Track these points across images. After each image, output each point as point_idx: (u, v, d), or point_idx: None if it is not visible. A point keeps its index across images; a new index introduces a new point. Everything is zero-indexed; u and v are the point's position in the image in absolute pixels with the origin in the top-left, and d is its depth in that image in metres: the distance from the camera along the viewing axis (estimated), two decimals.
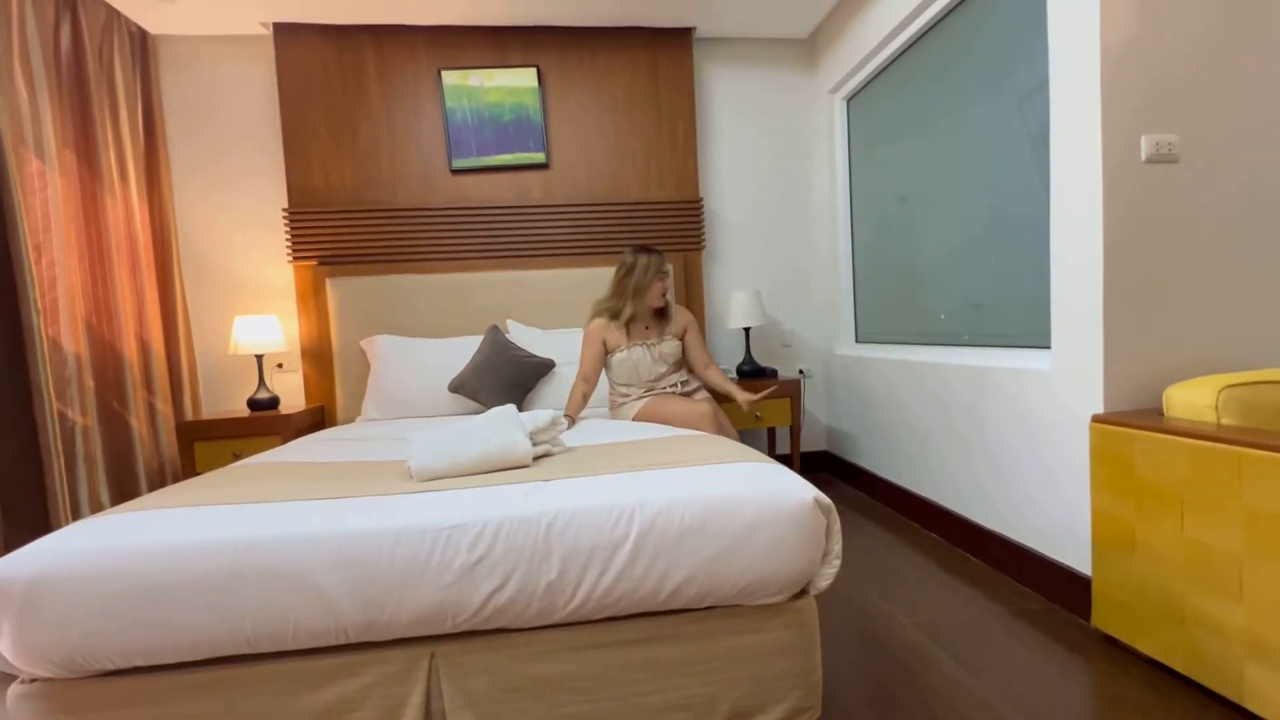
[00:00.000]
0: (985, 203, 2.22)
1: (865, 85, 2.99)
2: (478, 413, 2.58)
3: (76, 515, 2.31)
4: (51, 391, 2.15)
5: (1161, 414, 1.55)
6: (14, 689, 1.12)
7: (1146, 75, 1.62)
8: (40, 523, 2.15)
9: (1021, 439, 1.97)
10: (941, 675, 1.52)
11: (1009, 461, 2.03)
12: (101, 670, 1.12)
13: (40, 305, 2.14)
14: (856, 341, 3.25)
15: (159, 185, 2.88)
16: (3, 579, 1.06)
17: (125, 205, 2.69)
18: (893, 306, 2.90)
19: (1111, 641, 1.62)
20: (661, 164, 3.21)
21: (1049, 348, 1.90)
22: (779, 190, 3.40)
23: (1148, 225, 1.64)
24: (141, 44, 2.86)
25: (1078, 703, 1.40)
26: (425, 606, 1.15)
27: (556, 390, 2.72)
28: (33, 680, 1.12)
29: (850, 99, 3.16)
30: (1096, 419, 1.62)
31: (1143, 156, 1.63)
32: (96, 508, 2.40)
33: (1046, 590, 1.87)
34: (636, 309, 2.39)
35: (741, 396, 2.40)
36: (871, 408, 2.96)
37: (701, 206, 3.24)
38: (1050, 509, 1.87)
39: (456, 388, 2.67)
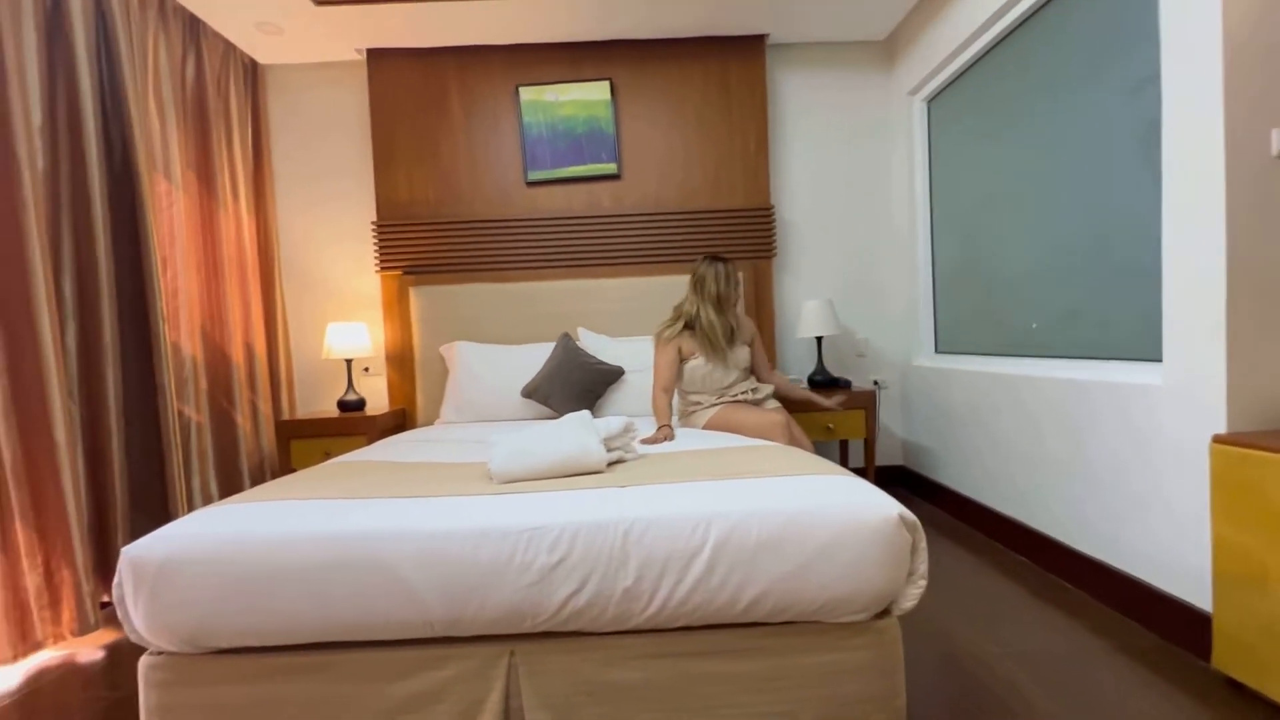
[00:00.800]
0: (1084, 204, 2.07)
1: (948, 85, 2.87)
2: (550, 418, 2.65)
3: (190, 504, 2.53)
4: (173, 391, 2.36)
5: None
6: (144, 659, 1.24)
7: (1276, 63, 1.47)
8: (160, 510, 2.36)
9: (1127, 459, 1.82)
10: (1037, 710, 1.42)
11: (1112, 483, 1.88)
12: (216, 648, 1.22)
13: (165, 313, 2.36)
14: (936, 352, 3.11)
15: (264, 201, 3.13)
16: (139, 558, 1.18)
17: (236, 220, 2.93)
18: (977, 316, 2.75)
19: (1235, 685, 1.47)
20: (732, 172, 3.20)
21: (1159, 361, 1.75)
22: (854, 196, 3.31)
23: (1279, 226, 1.49)
24: (252, 73, 3.12)
25: None
26: (506, 605, 1.18)
27: (625, 397, 2.74)
28: (159, 653, 1.24)
29: (931, 100, 3.05)
30: (1218, 439, 1.47)
31: (1273, 151, 1.48)
32: (207, 498, 2.62)
33: (1157, 625, 1.72)
34: (717, 318, 2.36)
35: (821, 398, 2.55)
36: (953, 421, 2.81)
37: (773, 214, 3.19)
38: (1161, 537, 1.71)
39: (529, 393, 2.74)
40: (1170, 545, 1.68)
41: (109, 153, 2.28)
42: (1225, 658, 1.47)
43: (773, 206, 3.20)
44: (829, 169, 3.30)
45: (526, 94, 3.12)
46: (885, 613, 1.25)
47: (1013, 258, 2.47)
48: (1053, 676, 1.54)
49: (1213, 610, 1.51)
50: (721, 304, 2.38)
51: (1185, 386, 1.61)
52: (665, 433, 2.09)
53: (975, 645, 1.71)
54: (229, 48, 2.94)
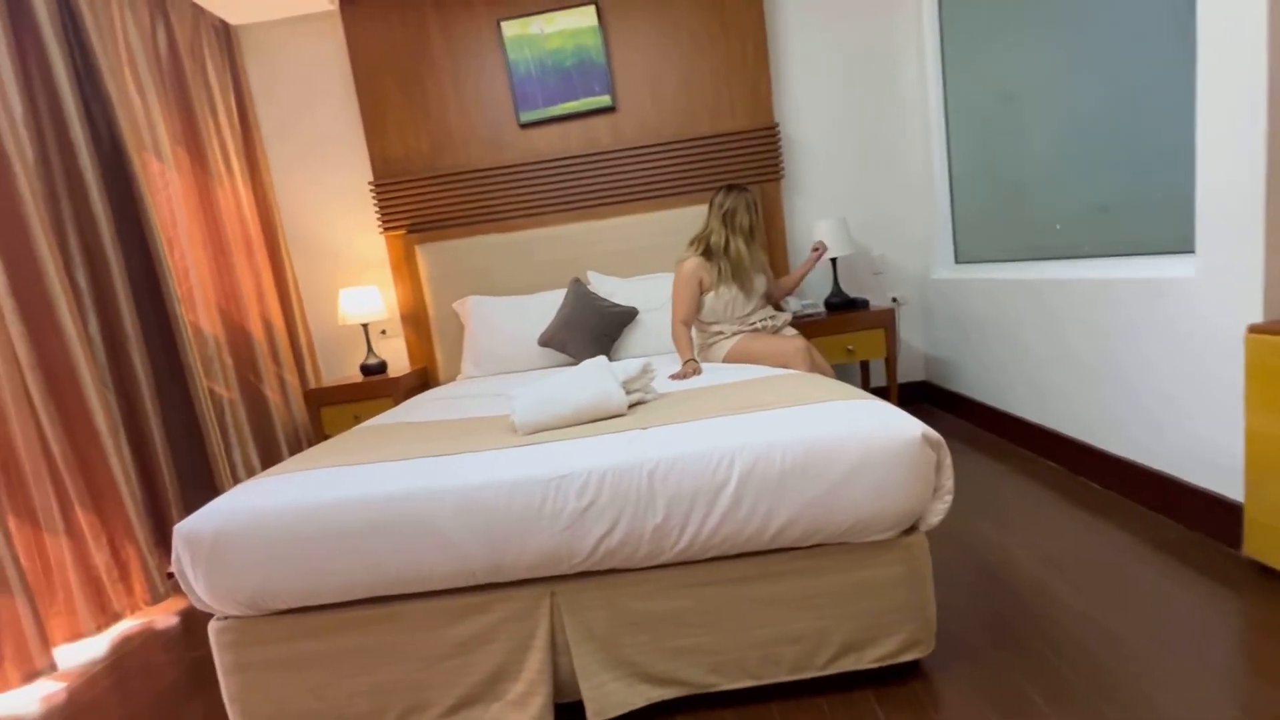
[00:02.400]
0: (1110, 92, 1.94)
1: None
2: (568, 364, 2.66)
3: (235, 476, 2.63)
4: (200, 370, 2.42)
5: None
6: (212, 624, 1.32)
7: None
8: (208, 484, 2.47)
9: (1157, 355, 1.78)
10: (1065, 608, 1.46)
11: (1141, 380, 1.85)
12: (277, 609, 1.29)
13: (179, 294, 2.39)
14: (956, 263, 3.02)
15: (259, 171, 3.08)
16: (194, 533, 1.24)
17: (233, 194, 2.90)
18: (997, 221, 2.65)
19: (1266, 571, 1.48)
20: (732, 91, 3.04)
21: (1192, 252, 1.68)
22: (862, 105, 3.13)
23: None
24: (225, 36, 3.00)
25: (1226, 633, 1.30)
26: (543, 551, 1.23)
27: (642, 338, 2.74)
28: (225, 617, 1.32)
29: None
30: (1254, 329, 1.43)
31: None
32: (250, 469, 2.72)
33: (1186, 518, 1.73)
34: (747, 250, 2.32)
35: (803, 269, 2.62)
36: (975, 332, 2.77)
37: (777, 133, 3.05)
38: (1193, 430, 1.70)
39: (546, 342, 2.75)
40: (1202, 438, 1.67)
41: (96, 137, 2.24)
42: (1256, 544, 1.48)
43: (777, 125, 3.06)
44: (834, 79, 3.11)
45: (509, 28, 2.97)
46: (912, 529, 1.27)
47: (1033, 156, 2.35)
48: (1081, 574, 1.58)
49: (1244, 499, 1.51)
50: (753, 235, 2.34)
51: (1220, 276, 1.55)
52: (693, 367, 2.08)
53: (1003, 551, 1.74)
54: (197, 11, 2.82)
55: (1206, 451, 1.66)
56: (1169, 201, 1.76)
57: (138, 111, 2.42)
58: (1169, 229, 1.78)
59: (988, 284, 2.62)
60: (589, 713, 1.25)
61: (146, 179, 2.34)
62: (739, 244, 2.32)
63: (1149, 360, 1.81)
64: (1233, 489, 1.59)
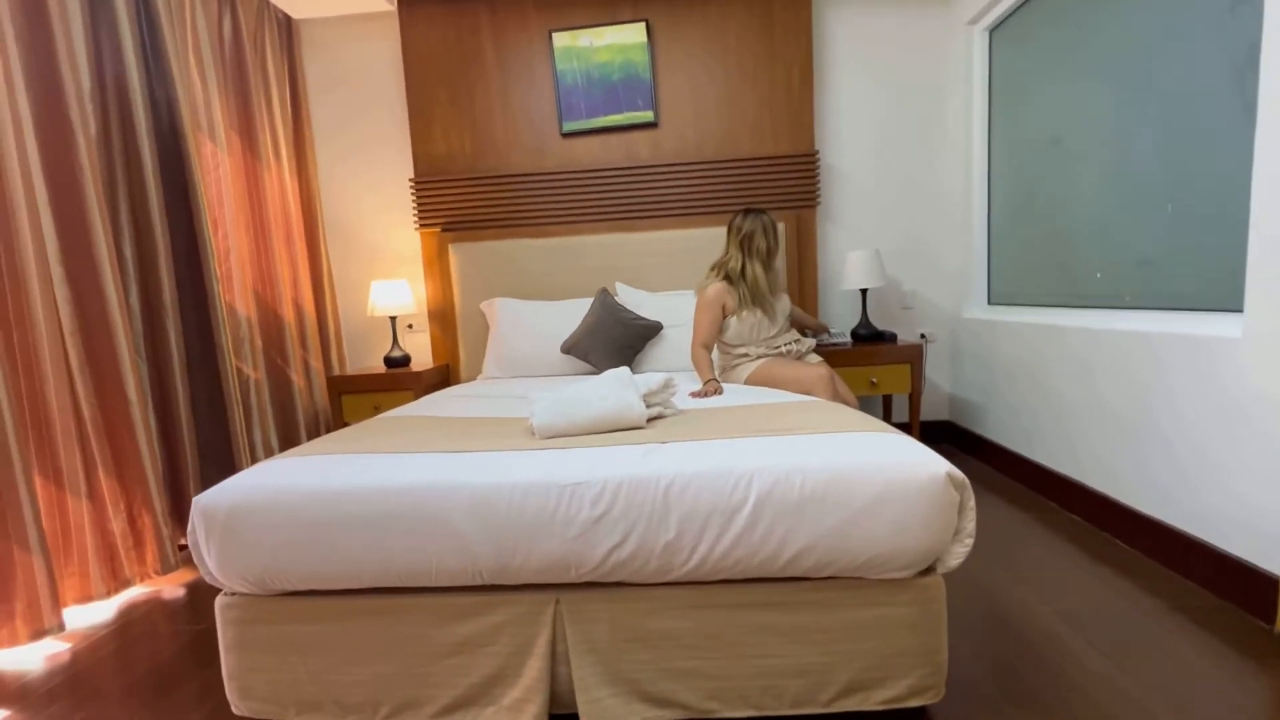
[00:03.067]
0: (1162, 142, 1.91)
1: (1013, 12, 2.64)
2: (589, 374, 2.67)
3: (253, 456, 2.67)
4: (230, 349, 2.47)
5: None
6: (220, 599, 1.33)
7: None
8: (226, 461, 2.50)
9: (1196, 414, 1.72)
10: (1083, 668, 1.40)
11: (1177, 439, 1.79)
12: (284, 590, 1.30)
13: (219, 274, 2.45)
14: (989, 303, 2.98)
15: (305, 161, 3.16)
16: (211, 506, 1.25)
17: (279, 181, 2.98)
18: (1035, 265, 2.61)
19: None
20: (775, 116, 3.06)
21: (1240, 311, 1.63)
22: (904, 139, 3.12)
23: None
24: (287, 29, 3.11)
25: (1253, 711, 1.24)
26: (551, 556, 1.22)
27: (664, 353, 2.73)
28: (233, 594, 1.33)
29: (994, 29, 2.81)
30: None
31: None
32: (268, 450, 2.76)
33: (1216, 585, 1.66)
34: (764, 274, 2.32)
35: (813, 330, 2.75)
36: (1004, 375, 2.71)
37: (817, 160, 3.06)
38: (1231, 495, 1.63)
39: (568, 349, 2.76)
40: (1241, 504, 1.60)
41: (155, 115, 2.32)
42: None
43: (817, 152, 3.06)
44: (878, 110, 3.11)
45: (560, 39, 3.02)
46: (929, 570, 1.24)
47: (1078, 202, 2.31)
48: (1102, 634, 1.52)
49: None
50: (769, 259, 2.34)
51: (1270, 338, 1.50)
52: (714, 386, 2.07)
53: (1020, 602, 1.69)
54: (263, 4, 2.92)
55: (1245, 518, 1.59)
56: (1217, 258, 1.71)
57: (197, 94, 2.51)
58: (1216, 286, 1.73)
59: (1021, 327, 2.57)
60: None
61: (200, 160, 2.41)
62: (756, 268, 2.32)
63: (1187, 419, 1.76)
64: (1270, 560, 1.52)
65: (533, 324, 2.89)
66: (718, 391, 2.04)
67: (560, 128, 3.10)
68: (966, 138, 2.98)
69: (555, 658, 1.26)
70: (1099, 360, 2.11)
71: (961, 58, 2.96)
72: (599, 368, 2.62)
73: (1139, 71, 1.99)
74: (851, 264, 2.95)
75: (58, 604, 1.79)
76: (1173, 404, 1.80)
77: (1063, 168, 2.39)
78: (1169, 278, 1.91)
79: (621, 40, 3.01)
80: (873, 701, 1.24)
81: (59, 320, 1.92)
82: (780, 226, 2.37)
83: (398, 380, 2.90)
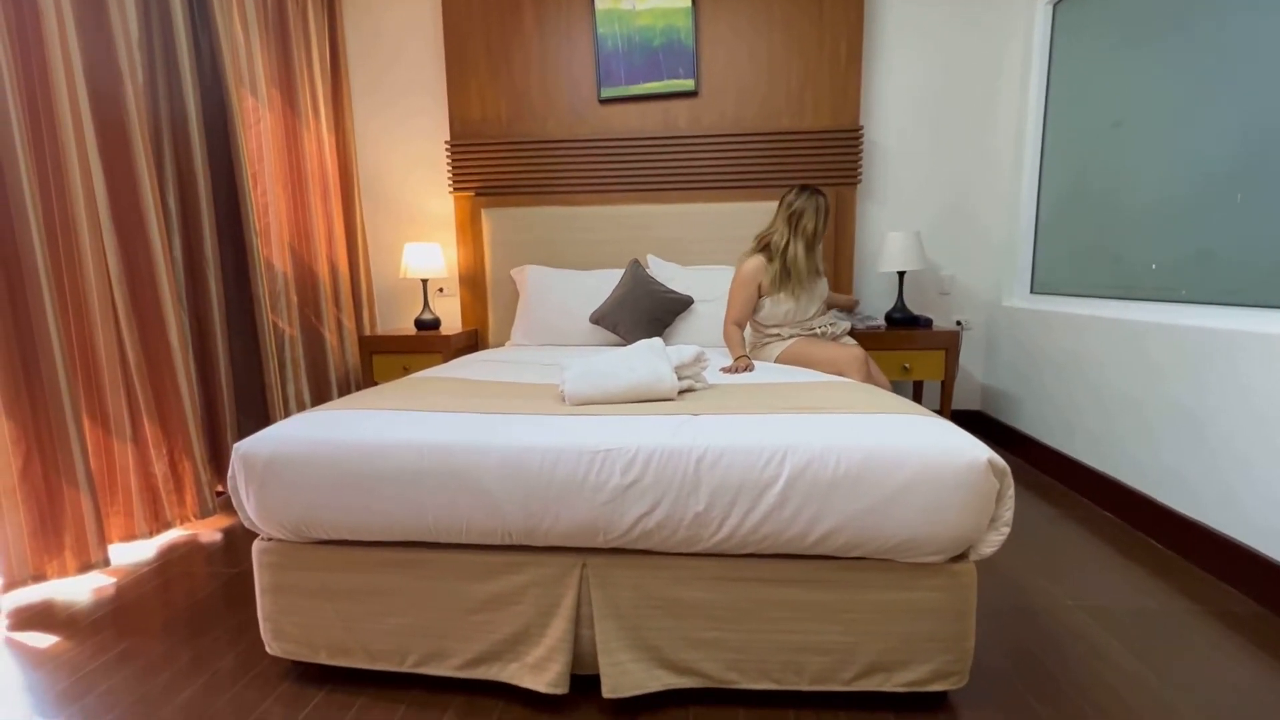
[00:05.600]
0: (1237, 126, 1.80)
1: None
2: (617, 345, 2.66)
3: (286, 409, 2.73)
4: (267, 303, 2.51)
5: None
6: (257, 544, 1.37)
7: None
8: (261, 413, 2.57)
9: (1250, 415, 1.65)
10: (1113, 667, 1.37)
11: (1225, 440, 1.73)
12: (318, 539, 1.33)
13: (257, 228, 2.48)
14: (1032, 292, 2.88)
15: (343, 119, 3.16)
16: (250, 453, 1.28)
17: (317, 138, 2.99)
18: (1083, 254, 2.51)
19: None
20: (819, 89, 2.96)
21: None
22: (953, 116, 3.00)
23: None
24: None
25: None
26: (579, 521, 1.22)
27: (694, 327, 2.71)
28: (269, 539, 1.37)
29: (1058, 3, 2.67)
30: None
31: None
32: (301, 404, 2.82)
33: (1259, 593, 1.61)
34: (805, 256, 2.26)
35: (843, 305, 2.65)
36: (1042, 367, 2.64)
37: (861, 136, 2.96)
38: (1273, 500, 1.57)
39: (597, 320, 2.75)
40: None
41: (199, 68, 2.33)
42: None
43: (861, 127, 2.96)
44: (928, 85, 2.99)
45: (602, 2, 2.95)
46: (962, 556, 1.22)
47: (1136, 189, 2.21)
48: (1130, 633, 1.49)
49: None
50: (814, 241, 2.27)
51: None
52: (744, 363, 2.05)
53: (1049, 596, 1.66)
54: None
55: None
56: None
57: (240, 47, 2.51)
58: None
59: (1065, 318, 2.49)
60: (604, 688, 1.25)
61: (241, 113, 2.42)
62: (799, 247, 2.25)
63: (1238, 419, 1.69)
64: None
65: (563, 293, 2.88)
66: (749, 368, 2.02)
67: (598, 93, 3.04)
68: (1020, 119, 2.85)
69: (579, 620, 1.28)
70: (1148, 355, 2.03)
71: (1022, 31, 2.82)
72: (627, 339, 2.61)
73: (1215, 53, 1.87)
74: (890, 245, 2.87)
75: (104, 540, 1.87)
76: (1224, 403, 1.73)
77: (1122, 153, 2.28)
78: (1230, 271, 1.82)
79: (665, 4, 2.93)
80: (894, 683, 1.24)
81: (107, 267, 1.97)
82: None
83: (427, 343, 2.93)
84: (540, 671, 1.27)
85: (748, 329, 2.45)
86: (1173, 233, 2.04)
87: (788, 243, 2.26)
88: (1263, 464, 1.61)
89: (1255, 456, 1.64)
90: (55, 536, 1.80)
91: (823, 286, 2.36)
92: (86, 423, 1.93)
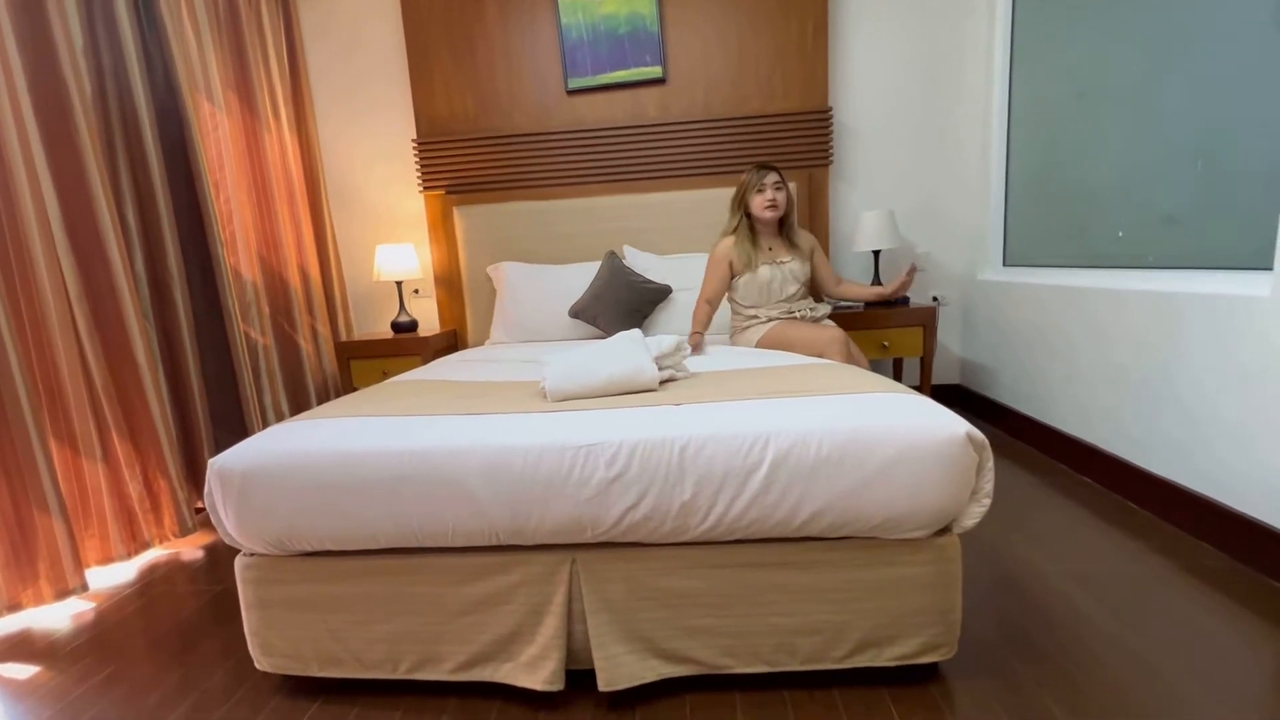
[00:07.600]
0: (1193, 96, 1.83)
1: None
2: (598, 338, 2.64)
3: (264, 420, 2.68)
4: (238, 314, 2.45)
5: None
6: (239, 560, 1.35)
7: None
8: (238, 425, 2.52)
9: (1218, 375, 1.70)
10: (1094, 628, 1.41)
11: (1196, 400, 1.77)
12: (302, 551, 1.31)
13: (222, 238, 2.41)
14: (1004, 265, 2.92)
15: (305, 121, 3.09)
16: (226, 469, 1.26)
17: (279, 142, 2.91)
18: (1052, 224, 2.54)
19: None
20: (787, 71, 2.95)
21: (1269, 269, 1.58)
22: (920, 94, 3.02)
23: None
24: None
25: (1268, 672, 1.25)
26: (566, 517, 1.22)
27: (673, 316, 2.70)
28: (252, 554, 1.34)
29: None
30: None
31: None
32: (279, 414, 2.78)
33: (1234, 547, 1.66)
34: (750, 222, 2.34)
35: (892, 287, 2.42)
36: (1017, 339, 2.68)
37: (830, 117, 2.96)
38: (1247, 456, 1.62)
39: (576, 313, 2.73)
40: (1257, 465, 1.59)
41: (151, 74, 2.26)
42: None
43: (830, 109, 2.96)
44: (894, 65, 3.00)
45: None
46: (945, 530, 1.24)
47: (1102, 160, 2.24)
48: (1114, 596, 1.52)
49: None
50: (744, 205, 2.33)
51: None
52: (695, 339, 2.14)
53: (1031, 564, 1.69)
54: None
55: (1264, 478, 1.58)
56: (1248, 215, 1.66)
57: (192, 51, 2.43)
58: (1244, 243, 1.68)
59: (1037, 289, 2.52)
60: (600, 682, 1.25)
61: (198, 120, 2.35)
62: (740, 217, 2.35)
63: (1207, 380, 1.73)
64: None
65: (540, 288, 2.86)
66: (697, 346, 2.13)
67: (565, 85, 3.01)
68: (986, 94, 2.87)
69: (572, 616, 1.28)
70: (1118, 321, 2.07)
71: (984, 6, 2.84)
72: (607, 332, 2.60)
73: (1171, 22, 1.89)
74: (865, 225, 2.89)
75: (80, 564, 1.82)
76: (1191, 364, 1.77)
77: (1086, 124, 2.31)
78: (1196, 236, 1.86)
79: None
80: (884, 658, 1.25)
81: (65, 286, 1.90)
82: (773, 177, 2.30)
83: (405, 345, 2.89)
84: (535, 670, 1.27)
85: (729, 313, 2.46)
86: (1138, 201, 2.08)
87: (740, 221, 2.34)
88: (1231, 421, 1.66)
89: (1225, 415, 1.68)
90: (29, 565, 1.75)
91: (803, 267, 2.37)
92: (54, 445, 1.88)
